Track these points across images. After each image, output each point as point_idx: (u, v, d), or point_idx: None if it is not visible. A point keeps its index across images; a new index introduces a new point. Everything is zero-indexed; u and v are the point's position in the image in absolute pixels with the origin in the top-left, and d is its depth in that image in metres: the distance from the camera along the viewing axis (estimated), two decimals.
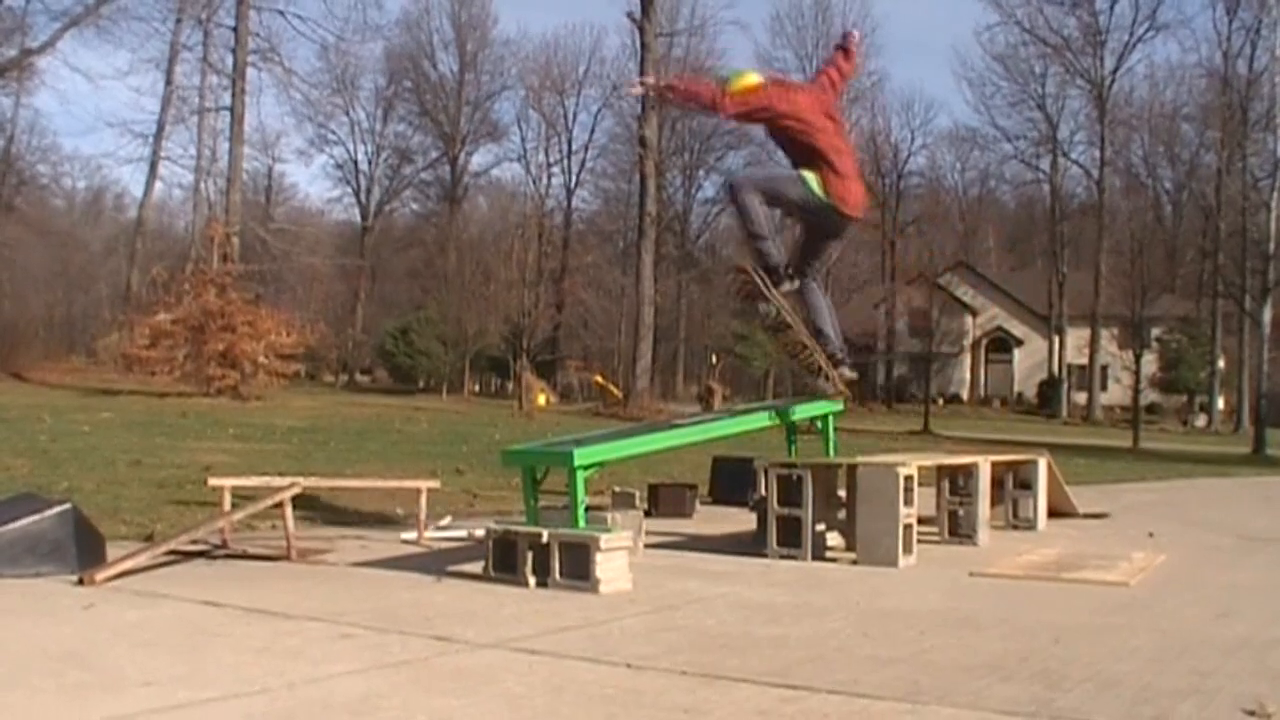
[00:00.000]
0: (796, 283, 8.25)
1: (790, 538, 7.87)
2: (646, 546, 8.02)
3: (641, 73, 45.76)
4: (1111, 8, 61.85)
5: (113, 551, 6.57)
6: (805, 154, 7.92)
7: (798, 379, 56.51)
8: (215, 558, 7.18)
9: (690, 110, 8.58)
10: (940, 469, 9.14)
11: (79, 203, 79.11)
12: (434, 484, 9.27)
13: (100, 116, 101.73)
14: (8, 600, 5.55)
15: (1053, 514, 10.60)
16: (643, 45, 45.88)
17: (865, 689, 4.15)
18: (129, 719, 3.60)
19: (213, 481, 8.21)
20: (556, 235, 67.89)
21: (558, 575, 6.32)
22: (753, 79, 8.21)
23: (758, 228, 7.98)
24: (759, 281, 8.04)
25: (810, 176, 7.84)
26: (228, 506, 7.60)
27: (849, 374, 8.51)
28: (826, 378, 8.43)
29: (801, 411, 9.17)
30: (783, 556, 7.82)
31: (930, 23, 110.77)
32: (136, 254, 52.33)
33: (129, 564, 6.31)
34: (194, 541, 7.16)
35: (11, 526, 6.22)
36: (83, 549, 6.32)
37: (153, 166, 51.57)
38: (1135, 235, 50.69)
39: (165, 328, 34.37)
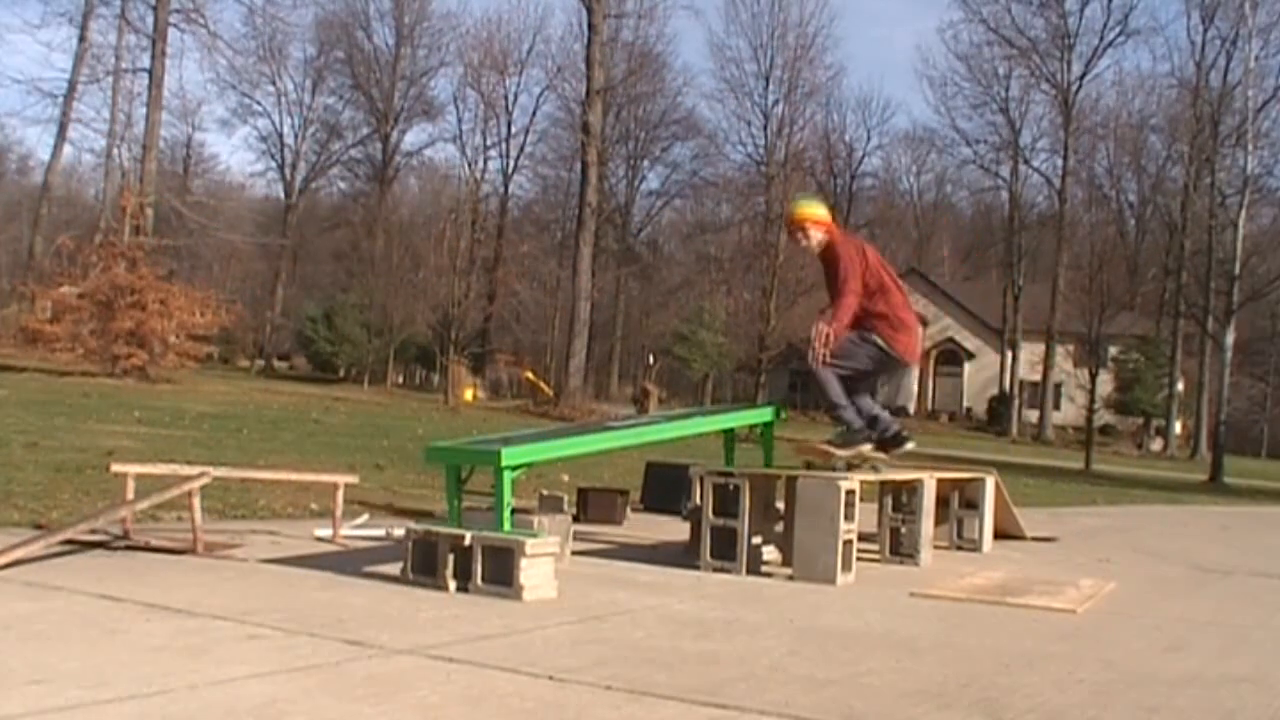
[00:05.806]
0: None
1: (724, 550, 7.90)
2: (574, 554, 8.02)
3: (588, 60, 45.82)
4: (1082, 10, 62.70)
5: (3, 539, 6.48)
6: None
7: (738, 383, 56.71)
8: (115, 549, 7.09)
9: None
10: (883, 484, 9.19)
11: None
12: (352, 479, 9.19)
13: (5, 72, 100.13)
14: None
15: (999, 536, 10.69)
16: (590, 26, 46.05)
17: (798, 711, 4.17)
18: (14, 719, 3.55)
19: (115, 467, 8.10)
20: (491, 222, 67.76)
21: (480, 580, 6.30)
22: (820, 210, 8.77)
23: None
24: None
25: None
26: (131, 495, 7.51)
27: (910, 446, 8.92)
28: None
29: (740, 419, 9.23)
30: (716, 569, 7.85)
31: (892, 17, 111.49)
32: (41, 221, 51.73)
33: (20, 553, 6.22)
34: (93, 531, 7.08)
35: None
36: None
37: (62, 128, 50.97)
38: (1096, 249, 51.37)
39: (70, 301, 34.00)
